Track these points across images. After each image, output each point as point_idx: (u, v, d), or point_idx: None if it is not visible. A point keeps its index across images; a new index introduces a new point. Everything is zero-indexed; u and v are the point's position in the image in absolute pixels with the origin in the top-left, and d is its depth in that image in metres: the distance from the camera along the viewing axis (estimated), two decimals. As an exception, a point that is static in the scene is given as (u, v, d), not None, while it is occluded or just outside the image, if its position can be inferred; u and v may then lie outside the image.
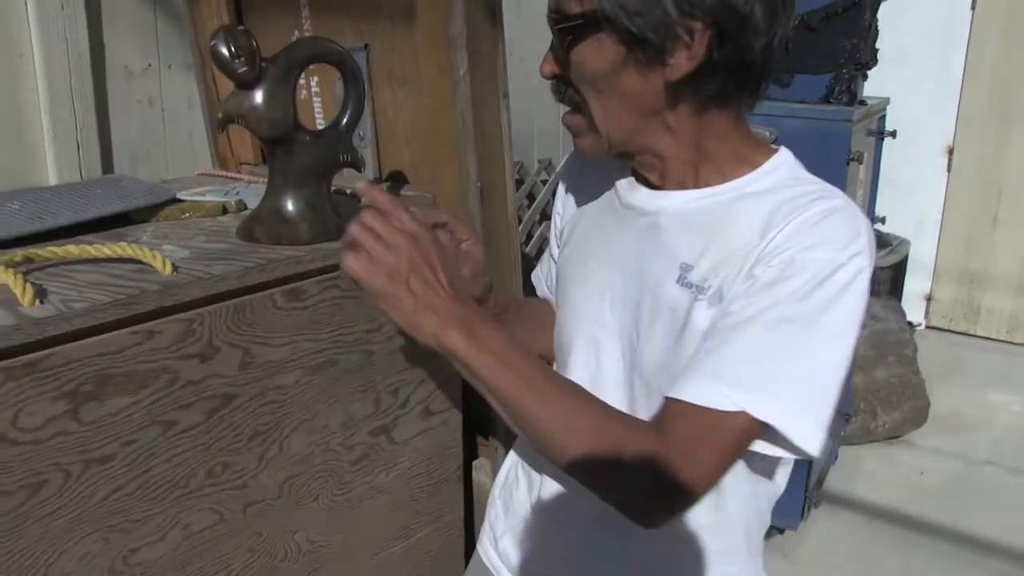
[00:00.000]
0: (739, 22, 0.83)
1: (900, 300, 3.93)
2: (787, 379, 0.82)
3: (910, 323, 3.81)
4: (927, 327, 4.53)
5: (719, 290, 0.88)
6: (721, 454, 0.83)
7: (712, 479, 0.83)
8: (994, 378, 3.93)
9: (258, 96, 1.12)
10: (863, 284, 0.84)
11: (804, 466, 2.60)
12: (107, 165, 1.81)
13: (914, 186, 4.31)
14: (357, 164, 1.25)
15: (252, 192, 1.46)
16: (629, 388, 0.98)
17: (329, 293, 1.19)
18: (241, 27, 1.10)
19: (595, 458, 0.83)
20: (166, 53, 1.88)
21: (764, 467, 0.97)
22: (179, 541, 1.09)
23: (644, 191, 0.98)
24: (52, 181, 1.72)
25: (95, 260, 1.09)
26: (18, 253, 1.06)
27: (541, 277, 1.23)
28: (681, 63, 0.84)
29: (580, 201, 1.11)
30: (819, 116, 2.27)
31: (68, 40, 1.68)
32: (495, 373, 0.84)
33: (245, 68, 1.09)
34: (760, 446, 0.84)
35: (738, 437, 0.82)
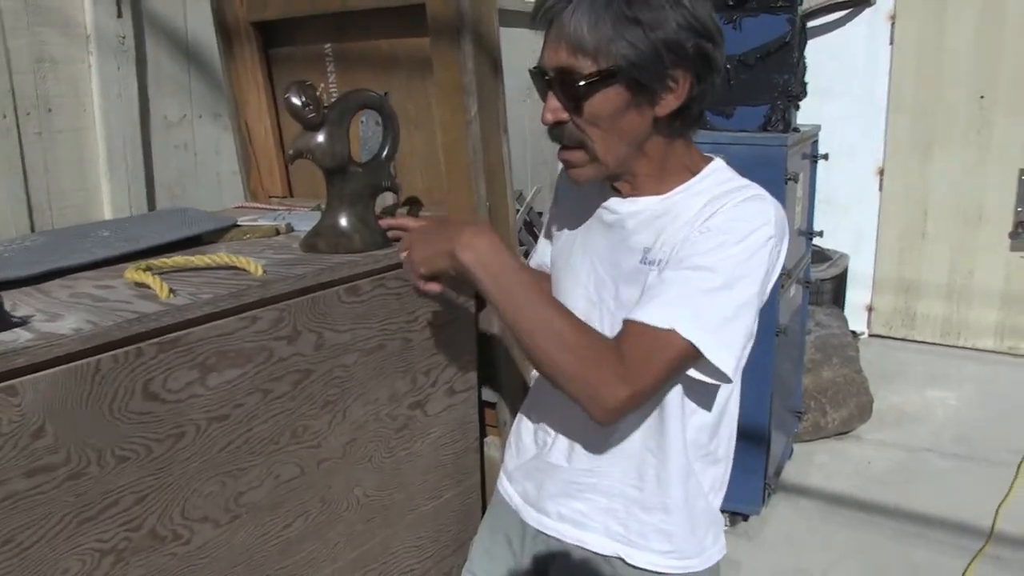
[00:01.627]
0: (709, 67, 1.15)
1: (843, 309, 4.30)
2: (705, 310, 1.11)
3: (854, 332, 4.16)
4: (870, 335, 4.92)
5: (667, 260, 1.18)
6: (658, 361, 1.11)
7: (650, 385, 1.11)
8: (931, 377, 4.30)
9: (322, 136, 1.43)
10: (769, 248, 1.14)
11: (762, 455, 2.91)
12: (151, 201, 2.10)
13: (851, 205, 4.72)
14: (396, 188, 1.55)
15: (295, 218, 1.75)
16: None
17: (379, 290, 1.49)
18: (308, 82, 1.41)
19: (563, 353, 1.11)
20: (198, 105, 2.17)
21: (696, 397, 1.25)
22: (272, 488, 1.38)
23: (616, 200, 1.30)
24: (107, 215, 2.00)
25: (197, 268, 1.39)
26: (141, 263, 1.35)
27: (537, 254, 1.55)
28: (669, 103, 1.16)
29: (570, 205, 1.42)
30: (758, 142, 2.62)
31: (122, 96, 1.98)
32: (493, 291, 1.14)
33: (313, 114, 1.40)
34: (690, 372, 1.14)
35: (670, 352, 1.10)
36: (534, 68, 1.19)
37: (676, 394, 1.23)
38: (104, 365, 1.10)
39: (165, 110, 2.08)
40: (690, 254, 1.13)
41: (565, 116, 1.19)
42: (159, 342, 1.17)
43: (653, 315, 1.10)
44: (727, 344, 1.11)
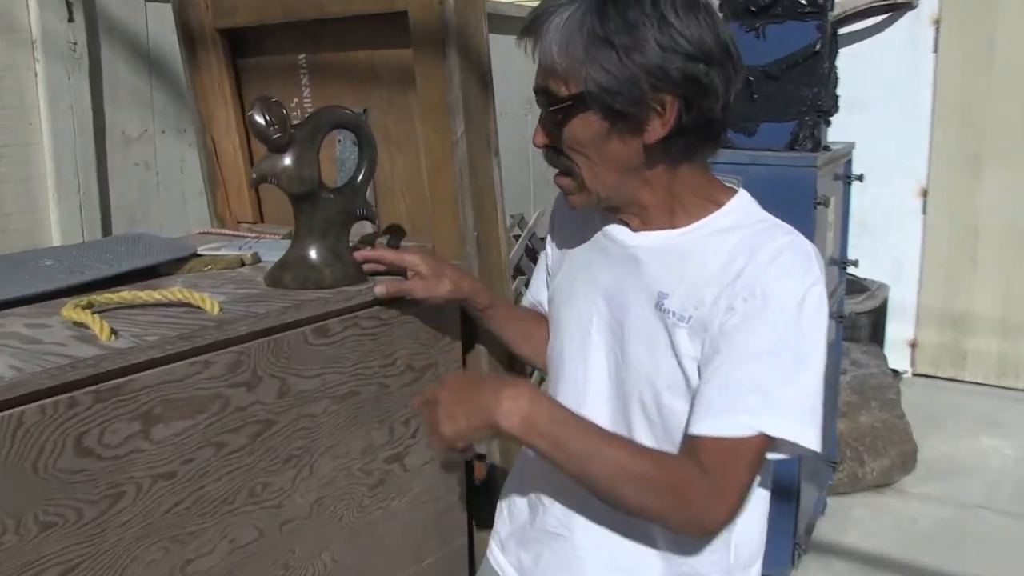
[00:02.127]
0: (701, 91, 1.15)
1: (882, 346, 4.27)
2: (783, 402, 1.11)
3: (895, 371, 4.13)
4: (913, 375, 4.87)
5: (702, 322, 1.17)
6: (747, 470, 1.13)
7: (743, 492, 1.14)
8: (984, 423, 4.24)
9: (288, 159, 1.41)
10: (823, 304, 1.15)
11: (791, 512, 2.87)
12: (106, 225, 2.10)
13: (890, 229, 4.69)
14: (371, 217, 1.54)
15: (262, 247, 1.74)
16: (612, 397, 1.29)
17: (351, 331, 1.48)
18: (274, 99, 1.40)
19: (647, 494, 1.12)
20: (160, 119, 2.17)
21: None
22: (225, 554, 1.35)
23: (626, 231, 1.29)
24: (56, 241, 2.00)
25: (145, 305, 1.37)
26: (82, 299, 1.33)
27: (531, 291, 1.54)
28: (656, 129, 1.16)
29: (569, 236, 1.42)
30: (784, 163, 2.61)
31: (73, 109, 1.98)
32: (552, 452, 1.13)
33: (279, 134, 1.39)
34: (770, 454, 1.15)
35: (757, 453, 1.13)
36: (534, 86, 1.23)
37: None
38: (29, 418, 1.08)
39: (123, 124, 2.09)
40: (743, 337, 1.12)
41: (551, 139, 1.22)
42: (96, 390, 1.15)
43: (731, 425, 1.11)
44: (812, 423, 1.12)
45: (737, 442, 1.11)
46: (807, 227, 2.32)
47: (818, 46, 2.68)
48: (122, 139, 2.09)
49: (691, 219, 1.24)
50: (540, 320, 1.49)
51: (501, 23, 2.51)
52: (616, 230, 1.30)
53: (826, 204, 2.65)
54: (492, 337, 1.61)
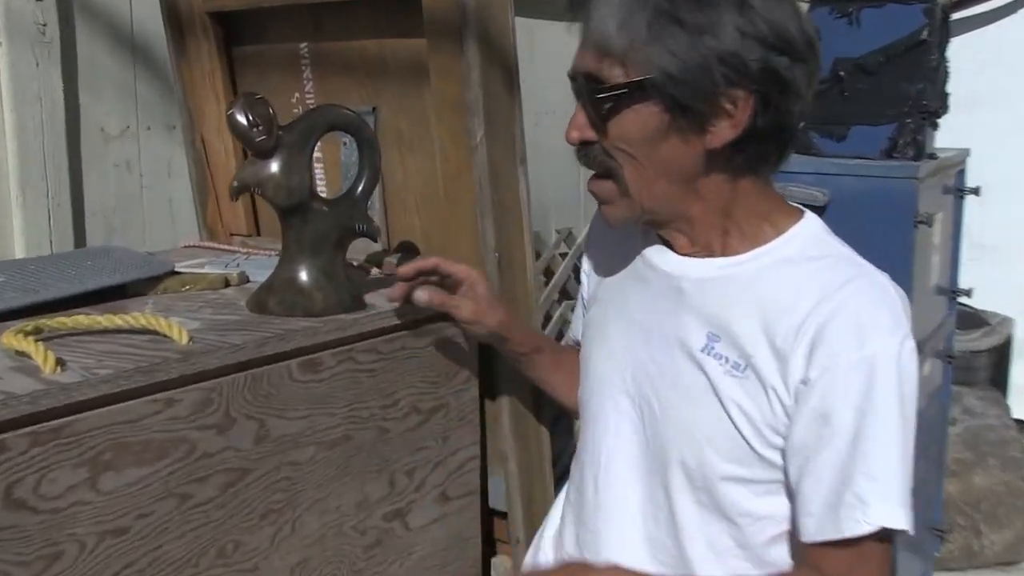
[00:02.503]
0: (781, 89, 1.13)
1: (1005, 392, 4.17)
2: (892, 487, 1.10)
3: (1020, 421, 4.03)
4: (1044, 427, 4.75)
5: (760, 374, 1.15)
6: (879, 565, 1.12)
7: None
8: None
9: (275, 165, 1.42)
10: (915, 359, 1.13)
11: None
12: (80, 235, 2.12)
13: (1014, 251, 4.59)
14: (373, 234, 1.54)
15: (252, 265, 1.76)
16: (647, 457, 1.27)
17: (345, 366, 1.48)
18: (259, 96, 1.41)
19: None
20: (146, 114, 2.20)
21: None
22: (188, 626, 1.36)
23: (670, 255, 1.27)
24: (19, 253, 2.02)
25: (106, 331, 1.38)
26: (28, 324, 1.35)
27: (572, 327, 1.53)
28: (723, 131, 1.14)
29: (606, 260, 1.40)
30: (880, 173, 2.55)
31: (42, 101, 2.01)
32: None
33: (264, 137, 1.39)
34: None
35: (886, 551, 1.12)
36: (570, 72, 1.21)
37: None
38: (-52, 463, 1.09)
39: (102, 119, 2.11)
40: (833, 413, 1.11)
41: (592, 135, 1.19)
42: (32, 432, 1.14)
43: (850, 522, 1.11)
44: (907, 501, 1.13)
45: (861, 542, 1.10)
46: (904, 249, 2.27)
47: (925, 34, 2.62)
48: (101, 136, 2.12)
49: (747, 244, 1.21)
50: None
51: (538, 5, 2.50)
52: (658, 255, 1.28)
53: (929, 223, 2.59)
54: (518, 377, 1.60)
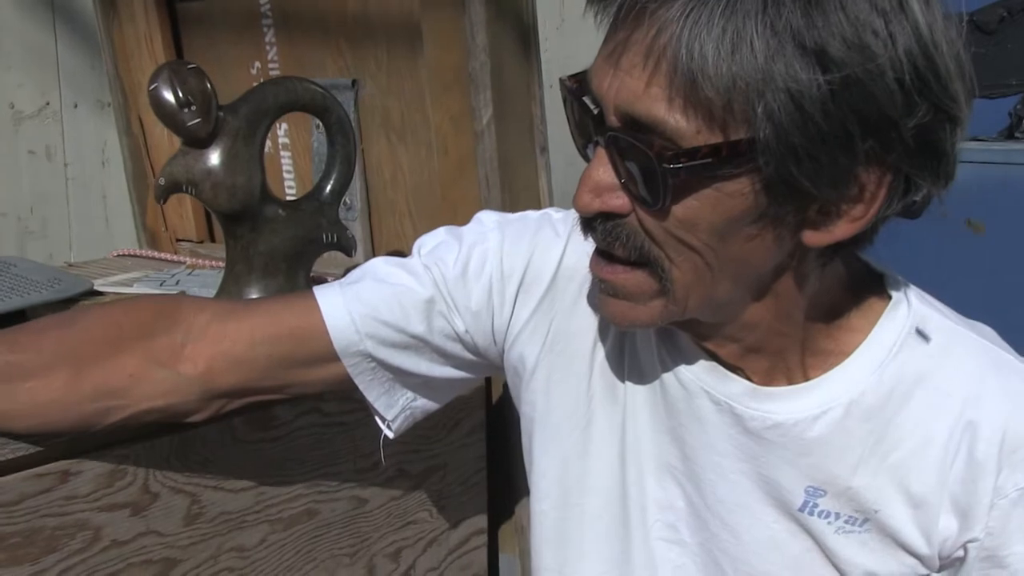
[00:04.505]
0: (935, 164, 0.91)
1: None
2: None
3: None
4: None
5: (889, 528, 1.01)
6: None
7: None
8: None
9: (214, 156, 1.31)
10: None
11: None
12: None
13: None
14: (346, 246, 1.43)
15: (197, 281, 1.64)
16: None
17: (306, 419, 1.36)
18: (192, 65, 1.29)
19: None
20: (71, 89, 2.10)
21: None
22: None
23: (733, 382, 1.05)
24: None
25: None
26: None
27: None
28: (840, 228, 0.92)
29: (584, 347, 1.18)
30: (999, 159, 2.43)
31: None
32: None
33: (198, 120, 1.28)
34: None
35: None
36: (570, 84, 0.95)
37: None
38: None
39: (12, 95, 2.02)
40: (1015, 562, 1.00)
41: (622, 205, 0.92)
42: None
43: None
44: None
45: None
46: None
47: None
48: (11, 115, 2.03)
49: (833, 357, 1.04)
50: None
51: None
52: (711, 377, 1.07)
53: (1061, 224, 2.48)
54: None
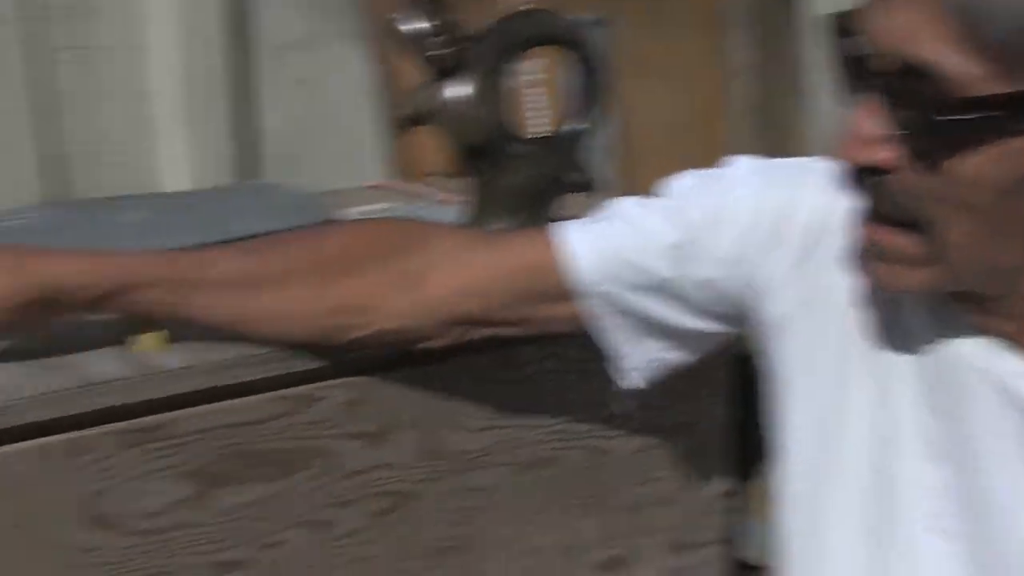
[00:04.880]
0: None
1: None
2: None
3: None
4: None
5: None
6: None
7: None
8: None
9: (459, 88, 1.33)
10: None
11: None
12: (246, 167, 2.13)
13: None
14: (591, 186, 1.44)
15: (445, 215, 1.66)
16: None
17: (550, 363, 1.37)
18: None
19: None
20: (327, 20, 2.17)
21: None
22: None
23: (1021, 362, 1.01)
24: (167, 185, 2.05)
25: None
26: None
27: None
28: None
29: (836, 297, 1.12)
30: None
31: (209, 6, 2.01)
32: None
33: (445, 50, 1.30)
34: None
35: None
36: (838, 22, 0.90)
37: None
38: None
39: (273, 27, 2.12)
40: None
41: (890, 158, 0.88)
42: (121, 431, 1.11)
43: None
44: None
45: None
46: None
47: None
48: (272, 47, 2.13)
49: None
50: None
51: None
52: (979, 352, 1.02)
53: None
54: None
